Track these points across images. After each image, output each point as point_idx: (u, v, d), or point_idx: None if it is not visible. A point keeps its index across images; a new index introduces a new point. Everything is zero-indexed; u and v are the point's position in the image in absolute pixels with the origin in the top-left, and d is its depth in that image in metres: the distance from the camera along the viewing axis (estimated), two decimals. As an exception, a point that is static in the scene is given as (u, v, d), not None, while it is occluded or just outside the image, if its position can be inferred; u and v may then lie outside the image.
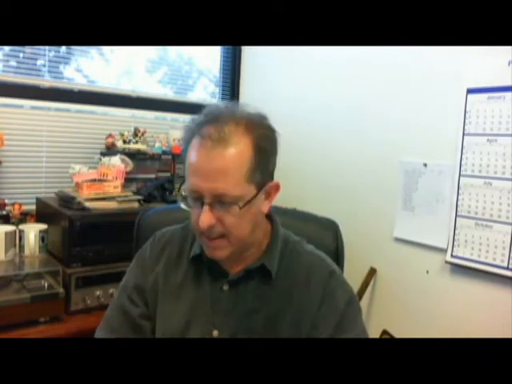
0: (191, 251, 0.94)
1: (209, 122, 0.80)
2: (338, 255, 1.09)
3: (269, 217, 0.94)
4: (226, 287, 0.90)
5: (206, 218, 0.79)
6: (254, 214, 0.84)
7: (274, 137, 0.85)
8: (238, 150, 0.78)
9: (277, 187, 0.88)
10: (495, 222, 1.56)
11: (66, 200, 1.73)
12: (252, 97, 2.57)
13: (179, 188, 1.99)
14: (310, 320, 0.86)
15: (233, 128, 0.79)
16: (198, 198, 0.80)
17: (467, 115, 1.63)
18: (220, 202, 0.79)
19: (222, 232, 0.81)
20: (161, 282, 0.94)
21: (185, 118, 2.29)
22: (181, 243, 0.97)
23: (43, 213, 1.86)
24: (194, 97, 2.56)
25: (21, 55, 1.97)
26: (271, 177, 0.86)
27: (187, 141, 0.83)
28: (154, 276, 0.95)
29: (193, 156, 0.80)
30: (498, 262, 1.54)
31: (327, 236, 1.11)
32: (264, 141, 0.82)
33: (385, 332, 1.83)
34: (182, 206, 0.84)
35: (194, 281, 0.92)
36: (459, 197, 1.65)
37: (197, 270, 0.93)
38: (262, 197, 0.84)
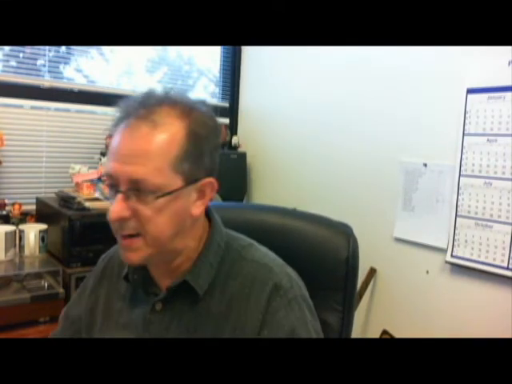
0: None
1: (140, 104, 0.69)
2: (348, 264, 0.90)
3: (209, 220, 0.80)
4: (158, 307, 0.77)
5: (117, 207, 0.67)
6: (177, 213, 0.70)
7: (215, 128, 0.74)
8: (167, 133, 0.67)
9: (212, 186, 0.74)
10: (495, 221, 1.56)
11: (66, 200, 1.73)
12: (252, 96, 2.57)
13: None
14: None
15: (167, 109, 0.69)
16: (113, 186, 0.69)
17: (467, 115, 1.63)
18: (137, 190, 0.67)
19: (136, 229, 0.69)
20: (101, 305, 0.85)
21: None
22: (120, 262, 0.86)
23: (43, 213, 1.86)
24: (194, 97, 2.55)
25: (21, 55, 1.97)
26: (208, 174, 0.73)
27: (115, 127, 0.71)
28: (92, 301, 0.86)
29: (115, 138, 0.69)
30: (497, 262, 1.54)
31: (338, 243, 0.93)
32: (201, 128, 0.71)
33: (385, 332, 1.83)
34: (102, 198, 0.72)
35: (130, 302, 0.81)
36: (459, 197, 1.65)
37: (134, 290, 0.81)
38: (192, 195, 0.71)
